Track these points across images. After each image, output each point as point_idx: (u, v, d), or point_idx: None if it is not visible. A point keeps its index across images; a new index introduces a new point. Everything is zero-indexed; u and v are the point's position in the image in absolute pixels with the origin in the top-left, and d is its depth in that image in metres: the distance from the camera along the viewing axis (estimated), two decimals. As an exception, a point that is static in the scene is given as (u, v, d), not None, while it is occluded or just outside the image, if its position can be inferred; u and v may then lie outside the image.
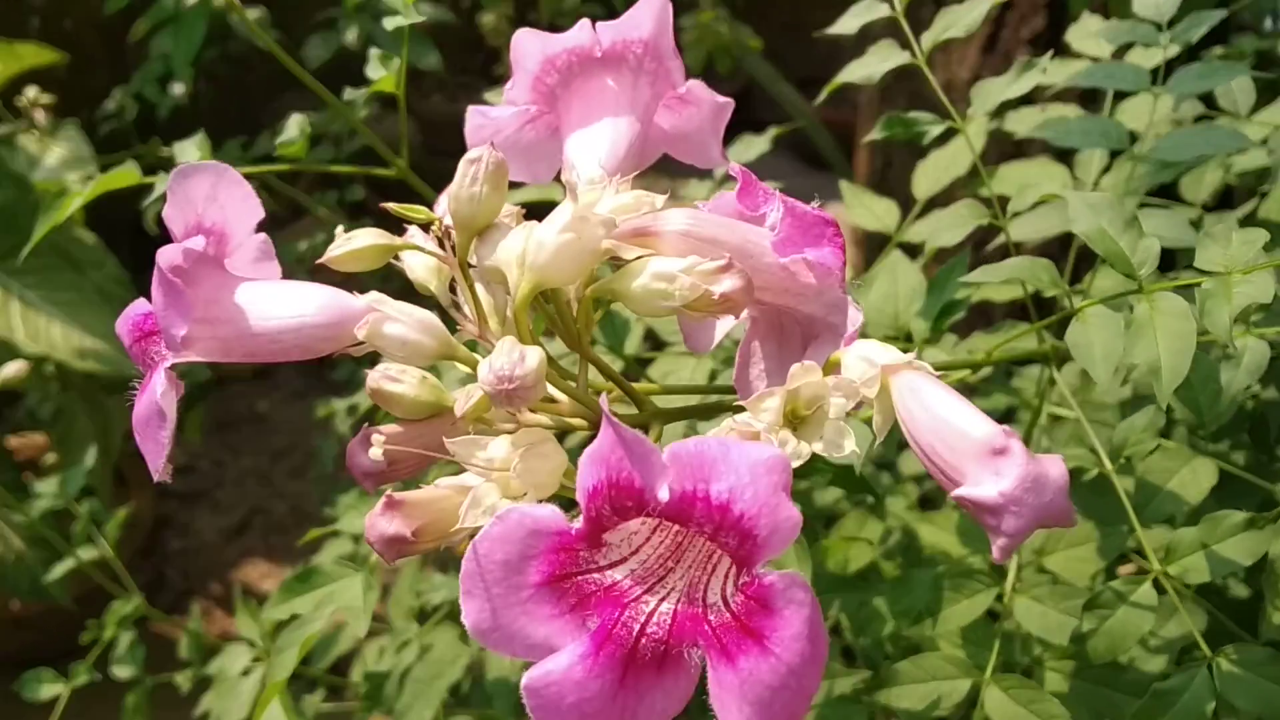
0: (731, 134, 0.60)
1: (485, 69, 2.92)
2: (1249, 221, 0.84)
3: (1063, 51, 0.75)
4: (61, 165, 1.71)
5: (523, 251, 0.31)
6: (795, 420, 0.30)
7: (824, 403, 0.29)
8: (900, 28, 0.61)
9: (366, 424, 0.35)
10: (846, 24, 0.62)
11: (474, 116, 0.39)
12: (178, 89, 2.10)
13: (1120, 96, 0.74)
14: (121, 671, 0.90)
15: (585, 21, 0.37)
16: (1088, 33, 0.75)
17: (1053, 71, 0.72)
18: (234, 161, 0.76)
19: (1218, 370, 0.61)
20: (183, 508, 2.15)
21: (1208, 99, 0.78)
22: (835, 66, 0.73)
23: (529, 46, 0.37)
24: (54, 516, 1.04)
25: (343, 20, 2.15)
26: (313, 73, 0.68)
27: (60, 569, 0.89)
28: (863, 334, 0.60)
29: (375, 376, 0.33)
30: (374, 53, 0.61)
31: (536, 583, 0.25)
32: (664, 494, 0.24)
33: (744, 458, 0.24)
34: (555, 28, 0.39)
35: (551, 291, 0.33)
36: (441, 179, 0.39)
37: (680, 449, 0.24)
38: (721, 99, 0.39)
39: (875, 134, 0.61)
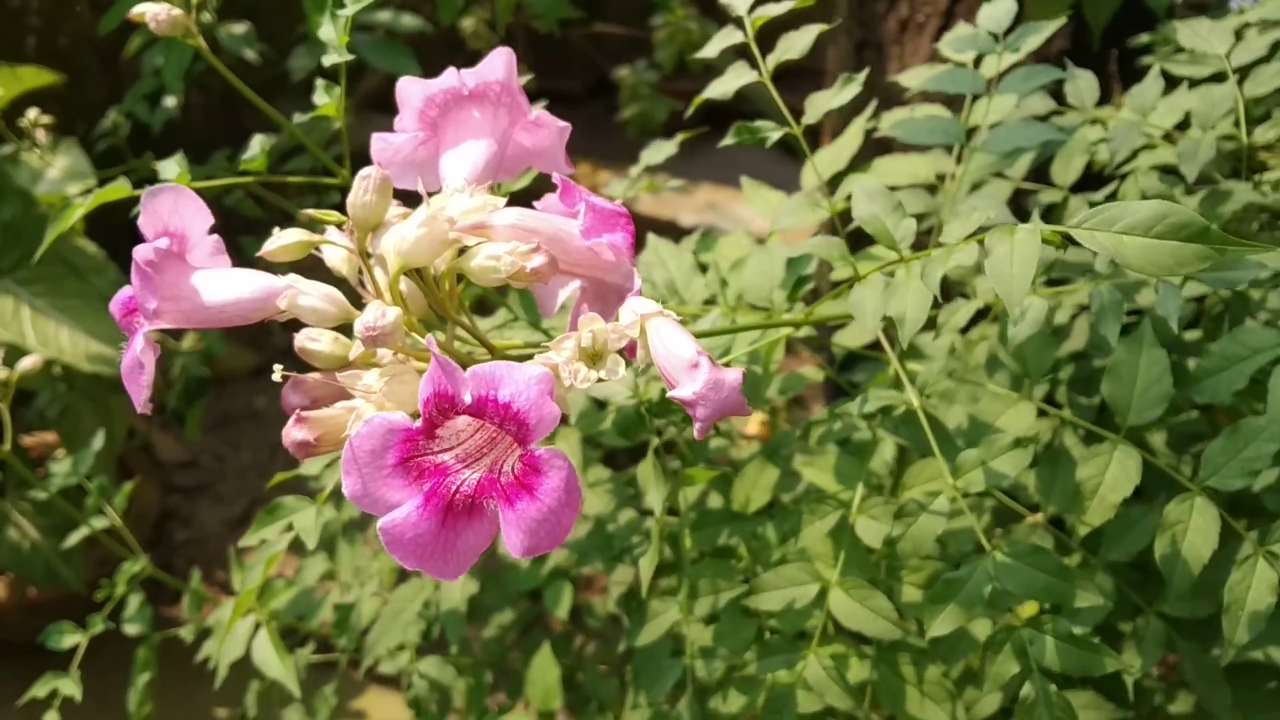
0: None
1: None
2: (1111, 199, 0.97)
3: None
4: (62, 179, 1.86)
5: (396, 242, 0.44)
6: (589, 356, 0.43)
7: (607, 342, 0.42)
8: (750, 51, 0.74)
9: (302, 378, 0.48)
10: (709, 50, 0.75)
11: (377, 141, 0.52)
12: (170, 102, 2.23)
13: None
14: (132, 628, 1.04)
15: (453, 69, 0.50)
16: (953, 40, 0.88)
17: (910, 76, 0.85)
18: (220, 172, 0.89)
19: (1048, 330, 0.75)
20: (186, 501, 2.29)
21: (1059, 95, 0.91)
22: (815, 59, 0.84)
23: (413, 89, 0.51)
24: (66, 497, 1.17)
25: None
26: (301, 81, 0.80)
27: (75, 536, 1.03)
28: (736, 301, 0.73)
29: (300, 338, 0.46)
30: (319, 82, 0.74)
31: (392, 464, 0.38)
32: (468, 398, 0.37)
33: (521, 373, 0.37)
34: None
35: (422, 270, 0.46)
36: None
37: (478, 369, 0.37)
38: (562, 123, 0.52)
39: (729, 139, 0.74)
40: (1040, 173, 1.00)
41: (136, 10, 0.65)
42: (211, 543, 2.19)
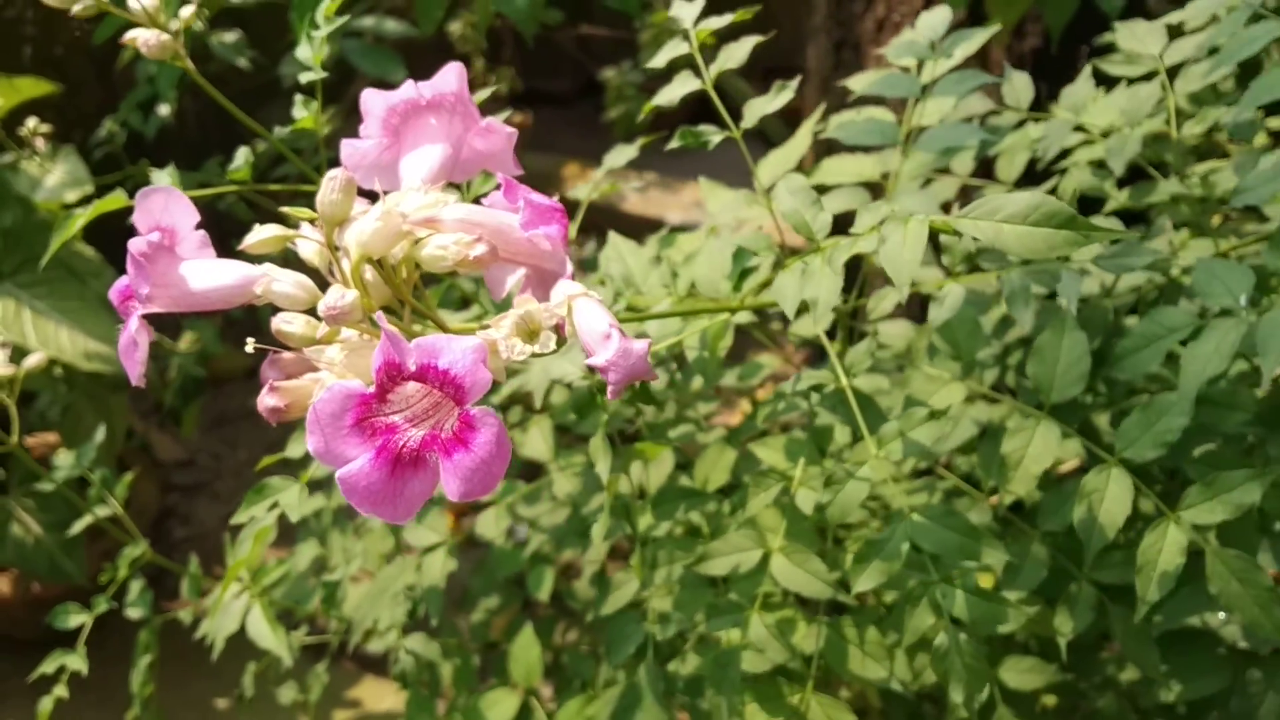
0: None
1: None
2: (1051, 193, 1.04)
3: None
4: (61, 186, 1.93)
5: (356, 234, 0.51)
6: (525, 332, 0.50)
7: (540, 319, 0.49)
8: (695, 61, 0.81)
9: (271, 351, 0.55)
10: (658, 60, 0.81)
11: (345, 147, 0.59)
12: (164, 109, 2.31)
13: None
14: (134, 612, 1.11)
15: (411, 82, 0.57)
16: (894, 47, 0.95)
17: (855, 81, 0.92)
18: (213, 178, 0.96)
19: (976, 314, 0.81)
20: (185, 499, 2.37)
21: (997, 97, 0.98)
22: (798, 57, 0.90)
23: (377, 100, 0.58)
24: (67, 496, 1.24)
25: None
26: (291, 86, 0.87)
27: (79, 525, 1.09)
28: (689, 293, 0.80)
29: (276, 321, 0.53)
30: (298, 97, 0.81)
31: (349, 424, 0.45)
32: (413, 366, 0.44)
33: (458, 344, 0.44)
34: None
35: (382, 259, 0.53)
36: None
37: (421, 341, 0.44)
38: (510, 129, 0.59)
39: (674, 143, 0.81)
40: (990, 168, 1.07)
41: (129, 36, 0.71)
42: (210, 539, 2.26)
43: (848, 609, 0.86)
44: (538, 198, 0.52)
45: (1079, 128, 1.02)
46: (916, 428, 0.69)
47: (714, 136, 0.80)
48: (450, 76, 0.57)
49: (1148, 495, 0.76)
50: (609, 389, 0.46)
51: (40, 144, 1.89)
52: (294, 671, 1.32)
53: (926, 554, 0.68)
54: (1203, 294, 0.79)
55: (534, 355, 0.48)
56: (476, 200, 0.55)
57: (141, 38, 0.73)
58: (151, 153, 2.20)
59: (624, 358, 0.45)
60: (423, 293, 0.55)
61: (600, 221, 2.40)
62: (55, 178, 1.96)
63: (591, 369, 0.46)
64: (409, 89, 0.57)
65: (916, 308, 1.17)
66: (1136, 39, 1.03)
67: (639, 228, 1.10)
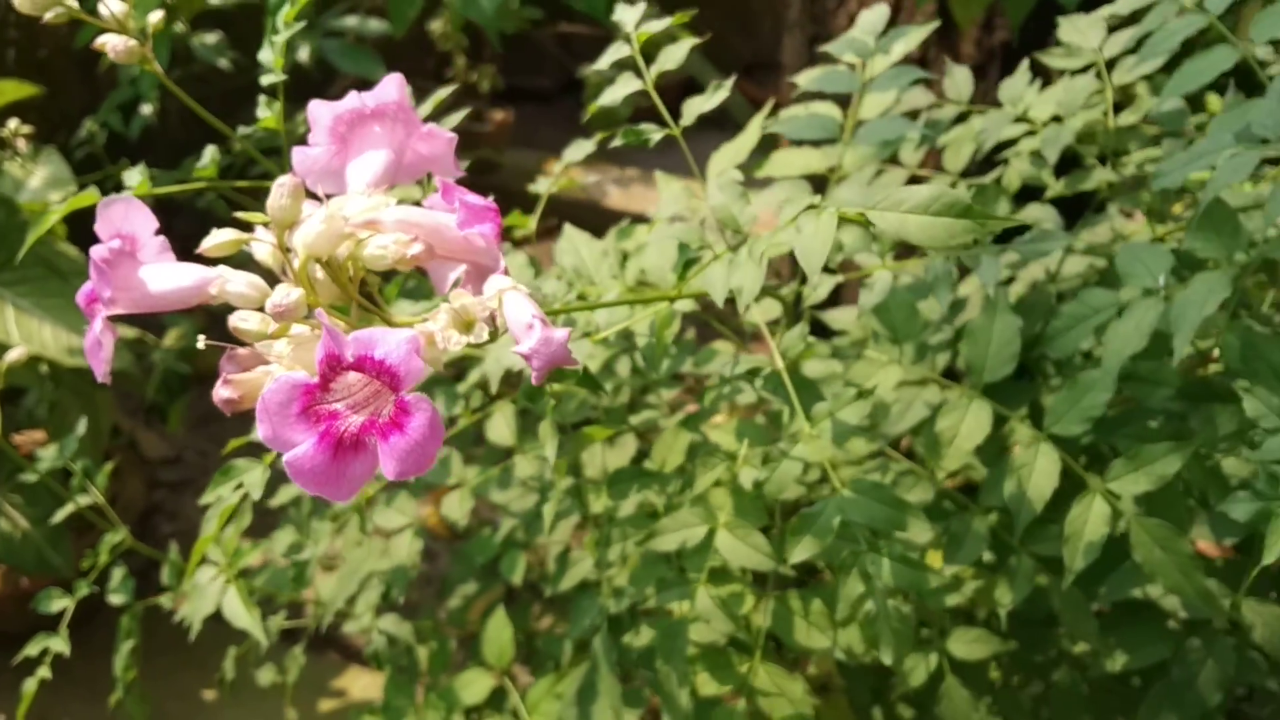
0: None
1: (438, 72, 3.15)
2: (996, 182, 1.08)
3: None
4: (44, 187, 1.97)
5: (302, 236, 0.55)
6: (460, 323, 0.54)
7: (473, 311, 0.53)
8: (637, 64, 0.85)
9: (229, 347, 0.59)
10: (602, 63, 0.85)
11: (297, 154, 0.63)
12: (146, 109, 2.34)
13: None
14: (116, 598, 1.15)
15: (354, 92, 0.61)
16: (836, 44, 0.99)
17: (801, 77, 0.96)
18: (189, 178, 1.00)
19: (913, 299, 0.86)
20: (172, 495, 2.41)
21: (938, 90, 1.02)
22: (779, 53, 0.93)
23: (323, 111, 0.62)
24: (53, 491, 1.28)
25: (296, 39, 2.37)
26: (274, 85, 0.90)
27: (61, 513, 1.13)
28: (640, 282, 0.84)
29: (233, 319, 0.57)
30: (262, 98, 0.85)
31: (296, 412, 0.49)
32: (351, 357, 0.48)
33: (392, 336, 0.48)
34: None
35: (328, 259, 0.57)
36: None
37: (358, 334, 0.48)
38: (450, 134, 0.63)
39: (617, 141, 0.85)
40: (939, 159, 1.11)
41: (99, 41, 0.75)
42: (196, 534, 2.30)
43: (799, 584, 0.90)
44: (473, 199, 0.56)
45: (1023, 119, 1.06)
46: (845, 408, 0.73)
47: (654, 135, 0.84)
48: (391, 87, 0.61)
49: (1076, 469, 0.81)
50: (533, 376, 0.50)
51: (22, 145, 1.92)
52: (276, 657, 1.36)
53: (858, 526, 0.73)
54: (1125, 275, 0.84)
55: (470, 345, 0.52)
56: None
57: (110, 43, 0.76)
58: (135, 152, 2.23)
59: (545, 345, 0.50)
60: (372, 288, 0.59)
61: (583, 216, 2.45)
62: (38, 179, 1.99)
63: (518, 354, 0.51)
64: (353, 99, 0.61)
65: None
66: (1078, 32, 1.07)
67: (620, 221, 1.14)
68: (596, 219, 1.15)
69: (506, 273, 0.55)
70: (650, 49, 0.89)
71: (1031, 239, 0.77)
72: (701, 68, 3.00)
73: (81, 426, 1.13)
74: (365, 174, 0.60)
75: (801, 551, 0.71)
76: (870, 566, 0.72)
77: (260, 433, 0.49)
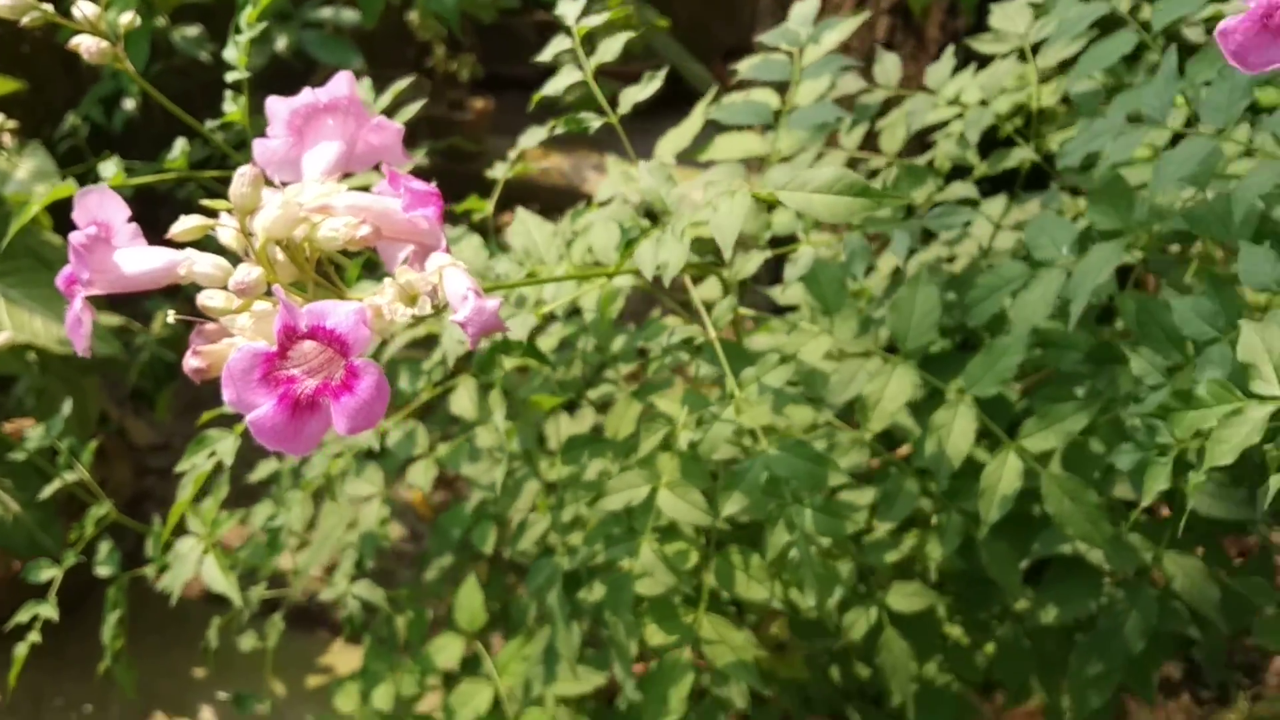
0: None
1: (418, 61, 3.20)
2: (929, 164, 1.15)
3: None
4: (29, 179, 2.02)
5: (261, 221, 0.61)
6: (405, 297, 0.60)
7: (418, 287, 0.60)
8: (578, 56, 0.91)
9: (198, 323, 0.65)
10: (544, 55, 0.91)
11: (257, 146, 0.69)
12: (129, 103, 2.39)
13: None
14: (103, 570, 1.21)
15: (308, 89, 0.67)
16: (770, 34, 1.05)
17: (743, 65, 1.02)
18: (165, 169, 1.05)
19: (841, 272, 0.92)
20: (161, 482, 2.47)
21: (869, 77, 1.09)
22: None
23: (280, 106, 0.68)
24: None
25: (274, 31, 2.42)
26: (253, 77, 0.96)
27: (49, 489, 1.20)
28: (582, 260, 0.90)
29: (200, 297, 0.63)
30: (227, 92, 0.90)
31: (257, 378, 0.56)
32: (305, 328, 0.54)
33: (342, 308, 0.54)
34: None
35: (286, 241, 0.63)
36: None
37: (311, 306, 0.54)
38: (398, 126, 0.69)
39: (559, 129, 0.91)
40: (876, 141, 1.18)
41: (73, 42, 0.81)
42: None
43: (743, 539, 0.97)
44: (417, 184, 0.62)
45: (957, 101, 1.12)
46: (769, 372, 0.80)
47: (593, 123, 0.90)
48: (342, 83, 0.67)
49: (993, 428, 0.87)
50: (469, 339, 0.57)
51: (8, 139, 1.97)
52: (260, 629, 1.42)
53: (783, 481, 0.79)
54: (1033, 247, 0.90)
55: (423, 319, 0.59)
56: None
57: (84, 44, 0.82)
58: (118, 144, 2.29)
59: (479, 314, 0.56)
60: (330, 268, 0.65)
61: (563, 200, 2.50)
62: (24, 171, 2.04)
63: (455, 323, 0.57)
64: (307, 95, 0.68)
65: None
66: (1007, 18, 1.14)
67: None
68: (575, 203, 1.22)
69: (449, 251, 0.62)
70: (631, 43, 0.94)
71: (939, 214, 0.84)
72: (679, 54, 3.06)
73: (67, 407, 1.19)
74: (319, 163, 0.66)
75: (732, 505, 0.78)
76: (795, 517, 0.79)
77: (226, 397, 0.56)
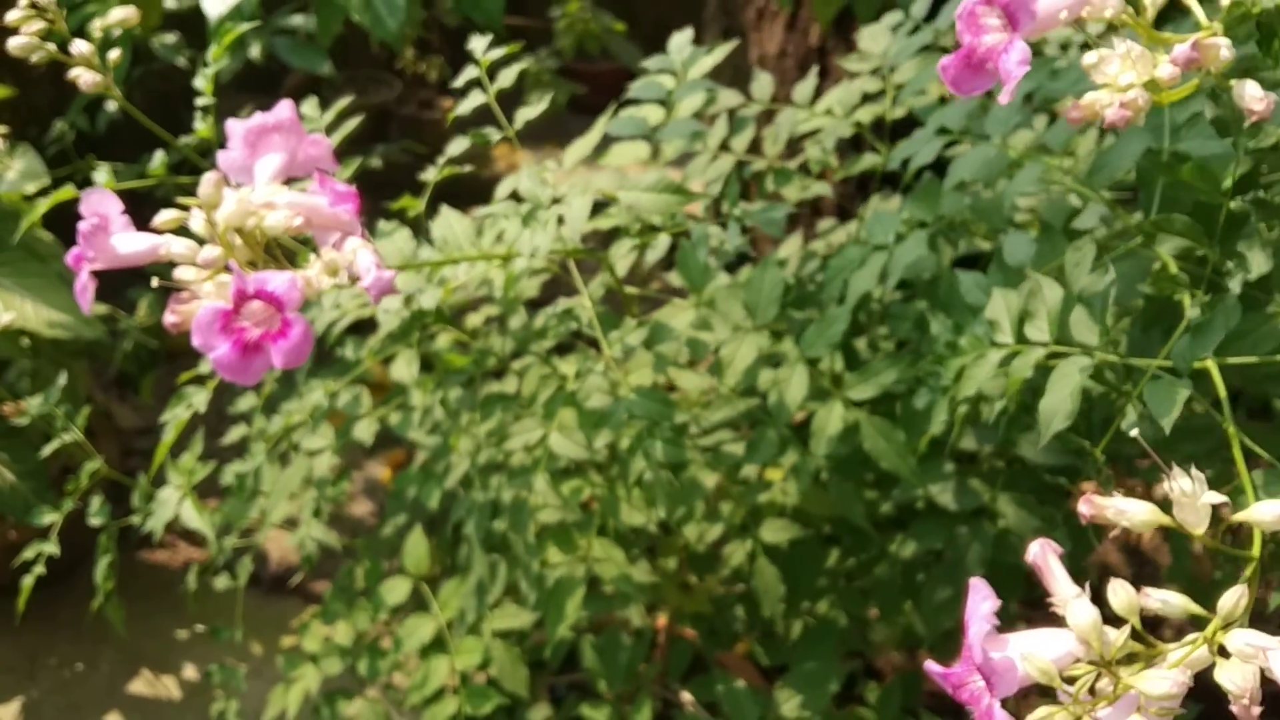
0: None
1: (388, 63, 3.42)
2: (802, 168, 1.38)
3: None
4: (20, 179, 2.24)
5: (221, 214, 0.84)
6: (329, 270, 0.83)
7: (339, 263, 0.82)
8: (483, 81, 1.13)
9: (175, 291, 0.87)
10: (460, 81, 1.14)
11: (220, 156, 0.91)
12: (111, 105, 2.61)
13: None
14: (95, 520, 1.44)
15: (259, 112, 0.90)
16: (651, 61, 1.27)
17: (633, 87, 1.25)
18: (147, 173, 1.28)
19: (703, 255, 1.15)
20: (144, 463, 2.68)
21: (747, 92, 1.32)
22: None
23: (237, 126, 0.90)
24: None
25: (248, 37, 2.63)
26: (228, 82, 1.18)
27: (49, 448, 1.42)
28: (492, 249, 1.13)
29: (176, 272, 0.86)
30: (198, 111, 1.13)
31: (217, 329, 0.78)
32: (252, 290, 0.77)
33: (280, 276, 0.77)
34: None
35: (241, 228, 0.85)
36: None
37: (256, 274, 0.77)
38: (328, 140, 0.92)
39: (467, 142, 1.13)
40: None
41: (71, 74, 1.03)
42: (168, 495, 2.59)
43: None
44: (340, 186, 0.85)
45: (829, 113, 1.35)
46: (630, 333, 1.02)
47: (494, 137, 1.12)
48: (285, 109, 0.90)
49: (823, 382, 1.10)
50: (372, 299, 0.79)
51: (0, 143, 2.19)
52: (226, 595, 1.64)
53: (639, 419, 1.02)
54: (869, 235, 1.13)
55: (336, 285, 0.81)
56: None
57: (82, 77, 1.04)
58: (102, 145, 2.51)
59: (379, 282, 0.79)
60: (274, 248, 0.88)
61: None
62: (14, 172, 2.26)
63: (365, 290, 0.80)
64: (258, 118, 0.90)
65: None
66: (871, 40, 1.37)
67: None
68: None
69: (364, 237, 0.84)
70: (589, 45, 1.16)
71: (762, 210, 1.07)
72: (634, 55, 3.29)
73: (62, 379, 1.41)
74: (267, 170, 0.89)
75: (600, 439, 1.01)
76: (648, 447, 1.01)
77: (194, 341, 0.78)
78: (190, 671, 2.21)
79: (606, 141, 1.25)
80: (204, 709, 2.10)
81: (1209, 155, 0.85)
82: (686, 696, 1.55)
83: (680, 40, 1.21)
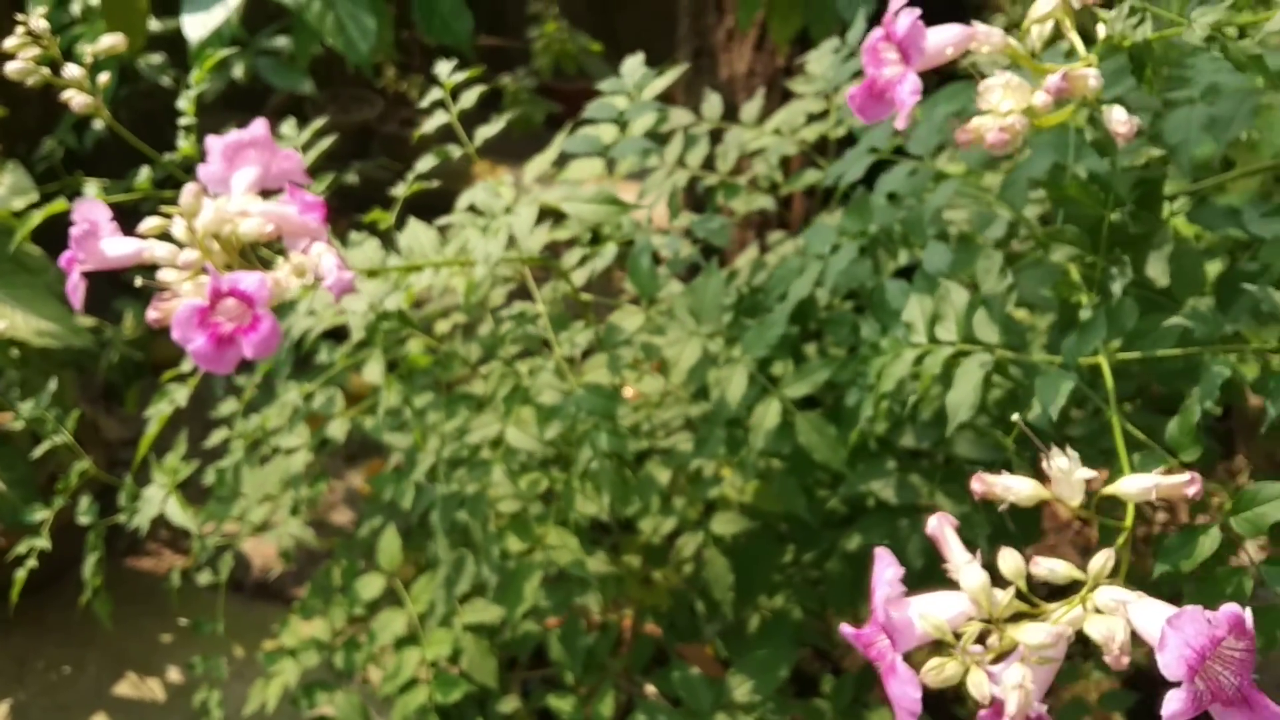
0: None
1: (371, 82, 3.53)
2: (753, 183, 1.48)
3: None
4: (8, 194, 2.34)
5: (200, 221, 0.93)
6: (297, 272, 0.92)
7: (306, 265, 0.92)
8: (446, 103, 1.24)
9: (158, 290, 0.96)
10: (425, 101, 1.24)
11: (200, 169, 1.01)
12: (99, 124, 2.72)
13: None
14: (84, 519, 1.53)
15: (235, 130, 1.00)
16: (606, 83, 1.37)
17: (589, 108, 1.35)
18: (133, 188, 1.38)
19: (650, 264, 1.25)
20: (134, 475, 2.79)
21: (697, 110, 1.42)
22: None
23: (216, 143, 1.00)
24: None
25: (232, 58, 2.73)
26: (213, 101, 1.28)
27: (40, 449, 1.51)
28: (455, 257, 1.23)
29: (159, 274, 0.95)
30: (181, 130, 1.22)
31: (195, 323, 0.88)
32: (226, 289, 0.87)
33: (251, 276, 0.87)
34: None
35: (218, 234, 0.95)
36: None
37: (229, 274, 0.87)
38: (299, 155, 1.02)
39: (432, 160, 1.23)
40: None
41: (64, 96, 1.13)
42: (152, 504, 2.68)
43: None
44: (309, 197, 0.95)
45: (778, 132, 1.46)
46: (578, 334, 1.12)
47: (455, 152, 1.22)
48: (259, 126, 1.00)
49: (761, 380, 1.20)
50: (333, 297, 0.89)
51: (-10, 160, 2.29)
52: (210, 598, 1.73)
53: (586, 413, 1.11)
54: (808, 246, 1.23)
55: (303, 286, 0.91)
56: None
57: (74, 99, 1.14)
58: (90, 162, 2.61)
59: (339, 282, 0.89)
60: (248, 252, 0.97)
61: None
62: (3, 187, 2.36)
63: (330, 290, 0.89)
64: (234, 135, 1.00)
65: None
66: (817, 62, 1.47)
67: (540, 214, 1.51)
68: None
69: (330, 243, 0.94)
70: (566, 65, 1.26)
71: (703, 220, 1.17)
72: (604, 73, 3.40)
73: (53, 384, 1.50)
74: (243, 182, 0.99)
75: (550, 430, 1.10)
76: (594, 439, 1.11)
77: (174, 334, 0.88)
78: (175, 674, 2.30)
79: (569, 158, 1.36)
80: (188, 710, 2.19)
81: (1095, 172, 0.95)
82: (650, 689, 1.64)
83: (633, 64, 1.31)
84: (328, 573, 1.73)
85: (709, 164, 1.47)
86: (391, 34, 1.86)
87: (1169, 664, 0.69)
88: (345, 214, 2.86)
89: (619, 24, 3.84)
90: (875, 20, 0.84)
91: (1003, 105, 0.83)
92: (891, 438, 1.38)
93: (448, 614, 1.51)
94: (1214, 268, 1.23)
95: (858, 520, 1.49)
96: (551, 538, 1.23)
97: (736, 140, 1.37)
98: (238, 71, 2.64)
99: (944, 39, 0.83)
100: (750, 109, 1.41)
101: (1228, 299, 1.05)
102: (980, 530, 1.20)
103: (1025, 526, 1.39)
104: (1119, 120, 0.83)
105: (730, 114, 1.49)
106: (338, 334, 1.48)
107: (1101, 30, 0.89)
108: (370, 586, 1.60)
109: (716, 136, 1.45)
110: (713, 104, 1.41)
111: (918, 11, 0.82)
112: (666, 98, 1.29)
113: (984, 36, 0.84)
